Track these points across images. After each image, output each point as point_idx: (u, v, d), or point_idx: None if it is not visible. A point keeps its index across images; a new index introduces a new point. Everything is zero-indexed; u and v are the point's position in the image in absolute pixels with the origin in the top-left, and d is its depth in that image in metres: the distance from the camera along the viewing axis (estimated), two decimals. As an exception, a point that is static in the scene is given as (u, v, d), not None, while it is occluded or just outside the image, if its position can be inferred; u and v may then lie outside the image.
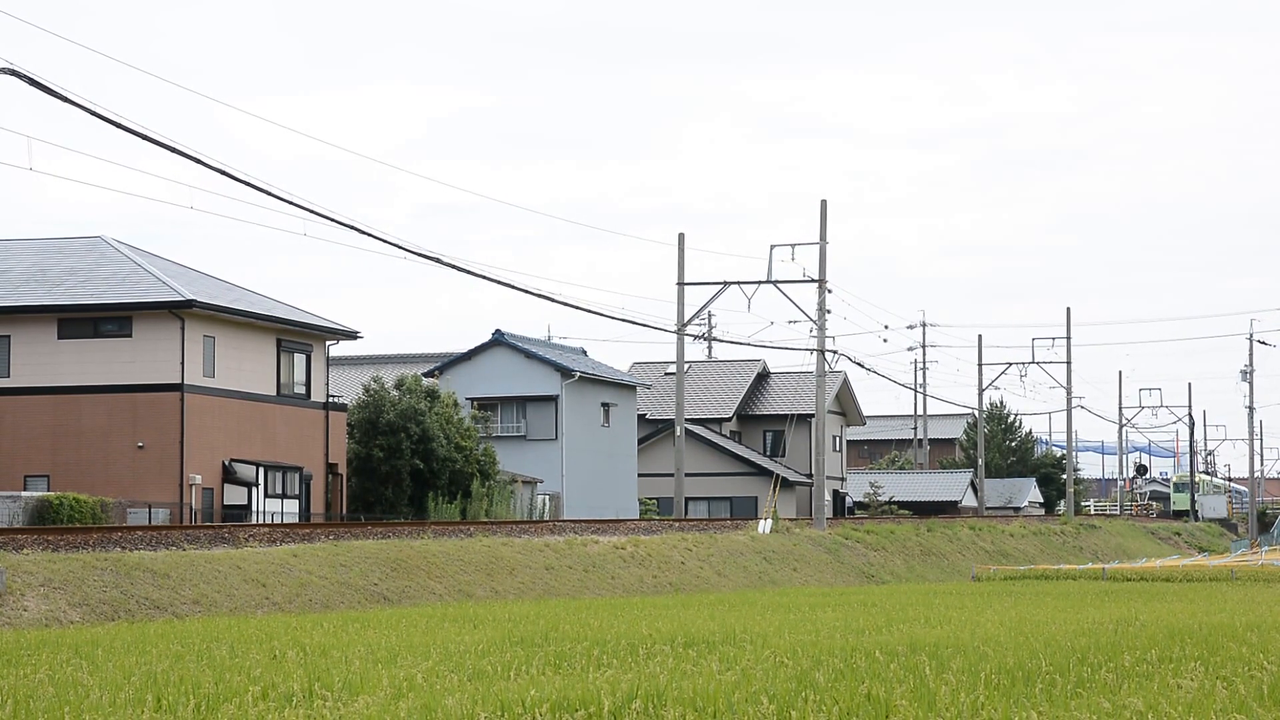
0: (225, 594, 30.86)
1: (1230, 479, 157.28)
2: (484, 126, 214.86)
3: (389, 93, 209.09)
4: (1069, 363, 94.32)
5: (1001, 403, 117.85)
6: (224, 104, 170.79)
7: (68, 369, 48.27)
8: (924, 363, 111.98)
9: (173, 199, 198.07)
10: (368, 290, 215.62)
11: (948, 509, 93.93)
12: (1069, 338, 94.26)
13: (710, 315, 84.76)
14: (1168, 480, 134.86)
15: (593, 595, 38.95)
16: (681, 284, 63.42)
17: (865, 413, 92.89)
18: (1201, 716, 12.73)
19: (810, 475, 73.80)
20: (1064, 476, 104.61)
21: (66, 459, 47.73)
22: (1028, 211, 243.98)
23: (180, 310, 47.47)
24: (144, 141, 30.26)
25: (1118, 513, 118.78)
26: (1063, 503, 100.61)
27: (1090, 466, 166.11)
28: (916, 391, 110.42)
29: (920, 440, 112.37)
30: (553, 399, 65.43)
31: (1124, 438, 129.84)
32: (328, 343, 53.96)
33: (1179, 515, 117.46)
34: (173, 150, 30.68)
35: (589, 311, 48.64)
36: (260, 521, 46.25)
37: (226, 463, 48.74)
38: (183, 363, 47.53)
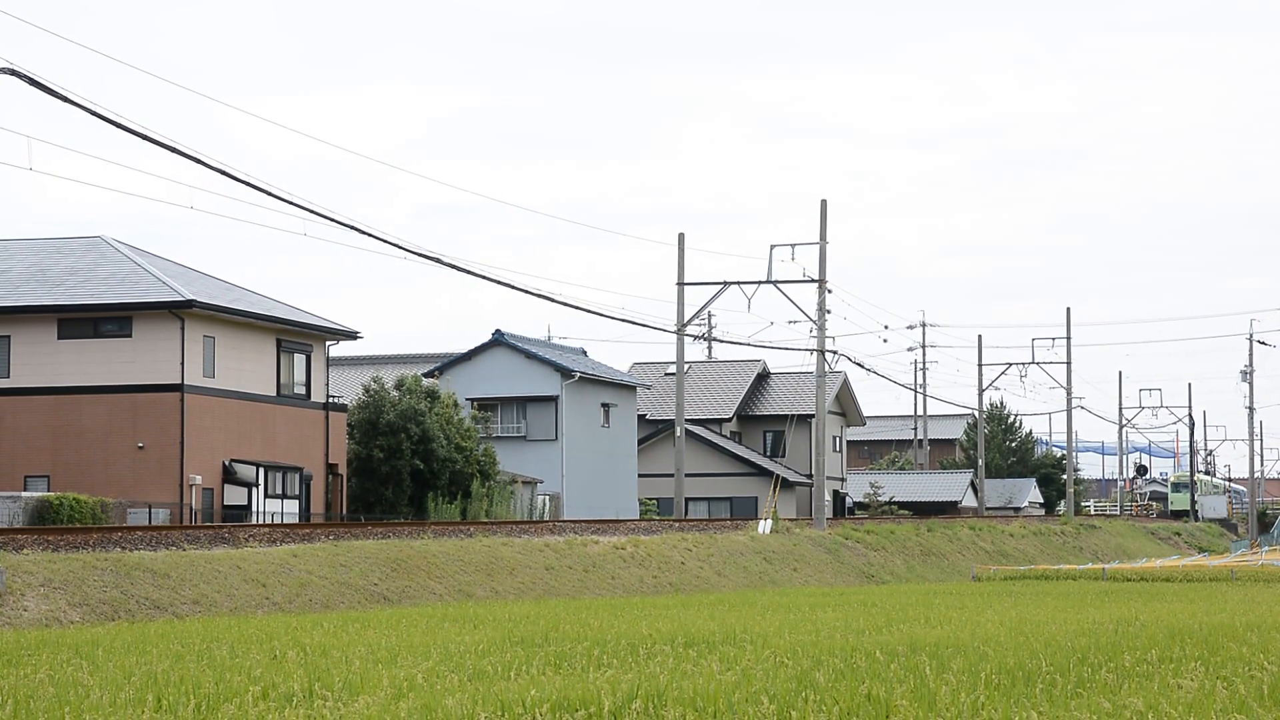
0: (225, 594, 30.87)
1: (1230, 479, 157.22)
2: (484, 126, 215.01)
3: (389, 93, 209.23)
4: (1069, 363, 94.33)
5: (1001, 403, 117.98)
6: (224, 104, 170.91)
7: (68, 369, 48.26)
8: (924, 363, 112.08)
9: (173, 199, 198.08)
10: (368, 290, 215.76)
11: (948, 509, 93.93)
12: (1069, 338, 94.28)
13: (710, 315, 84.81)
14: (1167, 480, 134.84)
15: (593, 595, 38.95)
16: (681, 284, 63.41)
17: (865, 413, 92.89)
18: (1202, 716, 12.73)
19: (810, 475, 73.79)
20: (1064, 477, 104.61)
21: (66, 459, 47.73)
22: (1028, 211, 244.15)
23: (180, 310, 47.47)
24: (144, 141, 30.29)
25: (1118, 513, 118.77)
26: (1063, 503, 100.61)
27: (1090, 467, 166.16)
28: (916, 392, 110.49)
29: (920, 440, 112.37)
30: (553, 399, 65.43)
31: (1124, 438, 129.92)
32: (328, 343, 53.96)
33: (1177, 515, 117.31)
34: (173, 150, 30.69)
35: (589, 311, 48.70)
36: (260, 522, 46.25)
37: (226, 463, 48.73)
38: (183, 363, 47.52)
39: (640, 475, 72.39)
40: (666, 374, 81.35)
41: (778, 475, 72.45)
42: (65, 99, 28.49)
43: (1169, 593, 38.44)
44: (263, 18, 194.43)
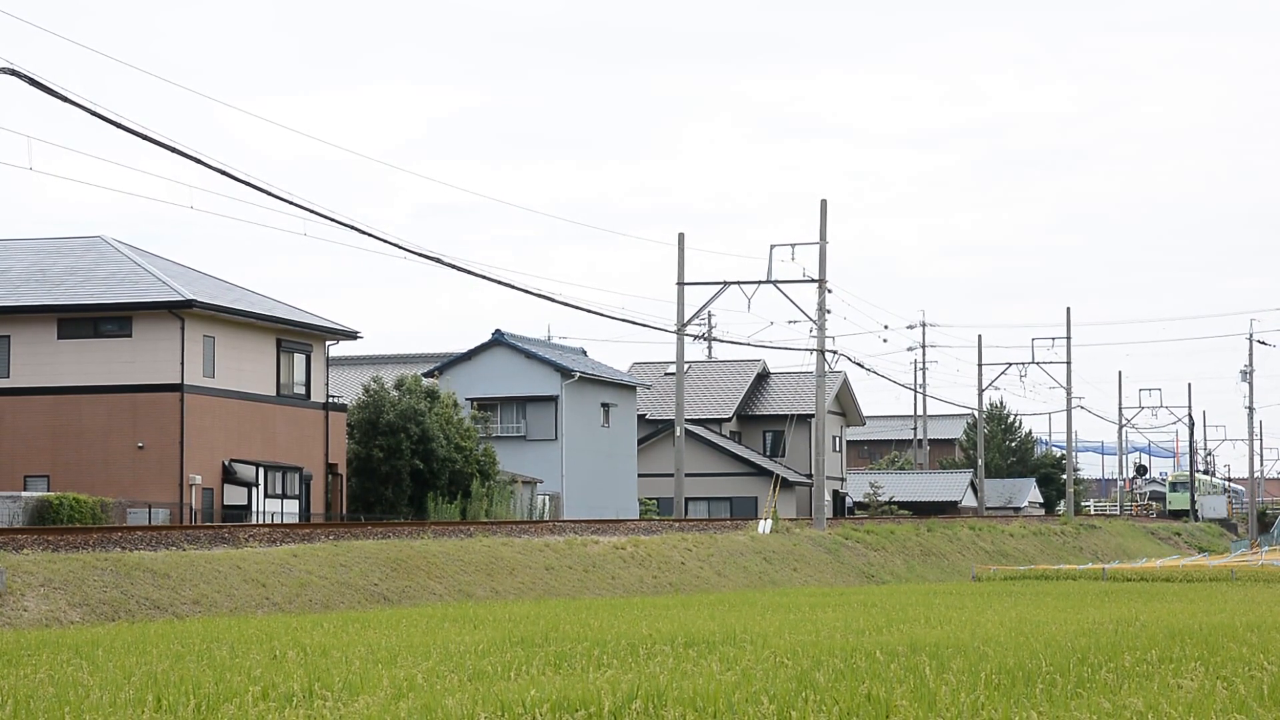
0: (225, 594, 30.86)
1: (1229, 479, 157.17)
2: (484, 126, 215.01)
3: (389, 93, 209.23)
4: (1069, 363, 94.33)
5: (1001, 403, 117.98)
6: (224, 104, 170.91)
7: (68, 369, 48.26)
8: (924, 363, 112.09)
9: (173, 199, 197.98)
10: (368, 290, 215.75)
11: (948, 509, 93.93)
12: (1069, 338, 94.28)
13: (710, 315, 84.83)
14: (1166, 480, 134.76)
15: (593, 595, 38.95)
16: (681, 284, 63.41)
17: (865, 413, 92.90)
18: (1202, 717, 12.73)
19: (810, 475, 73.80)
20: (1064, 477, 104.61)
21: (66, 459, 47.73)
22: (1028, 211, 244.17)
23: (180, 310, 47.47)
24: (144, 141, 30.29)
25: (1117, 513, 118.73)
26: (1063, 503, 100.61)
27: (1090, 467, 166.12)
28: (916, 391, 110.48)
29: (920, 440, 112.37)
30: (553, 399, 65.43)
31: (1124, 438, 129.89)
32: (328, 343, 53.96)
33: (1176, 515, 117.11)
34: (173, 150, 30.69)
35: (589, 311, 48.69)
36: (260, 521, 46.25)
37: (226, 463, 48.74)
38: (183, 363, 47.52)
39: (640, 475, 72.39)
40: (666, 374, 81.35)
41: (777, 475, 72.45)
42: (65, 99, 28.50)
43: (1169, 593, 38.43)
44: (262, 18, 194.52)
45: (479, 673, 16.23)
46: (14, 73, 27.82)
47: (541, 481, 63.30)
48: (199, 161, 31.25)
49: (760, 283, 60.86)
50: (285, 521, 47.08)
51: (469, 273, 41.53)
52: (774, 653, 17.88)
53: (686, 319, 63.06)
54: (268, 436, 50.57)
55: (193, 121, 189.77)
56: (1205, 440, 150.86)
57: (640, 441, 73.80)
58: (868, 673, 15.39)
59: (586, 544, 44.15)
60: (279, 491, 50.01)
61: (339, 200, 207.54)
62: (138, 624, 26.43)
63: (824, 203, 61.67)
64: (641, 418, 75.90)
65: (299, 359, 52.37)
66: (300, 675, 15.85)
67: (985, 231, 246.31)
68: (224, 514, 47.95)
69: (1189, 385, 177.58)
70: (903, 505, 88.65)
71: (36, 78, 28.17)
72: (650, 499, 73.65)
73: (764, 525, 56.05)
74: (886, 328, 77.26)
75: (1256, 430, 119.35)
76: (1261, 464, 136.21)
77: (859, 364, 69.04)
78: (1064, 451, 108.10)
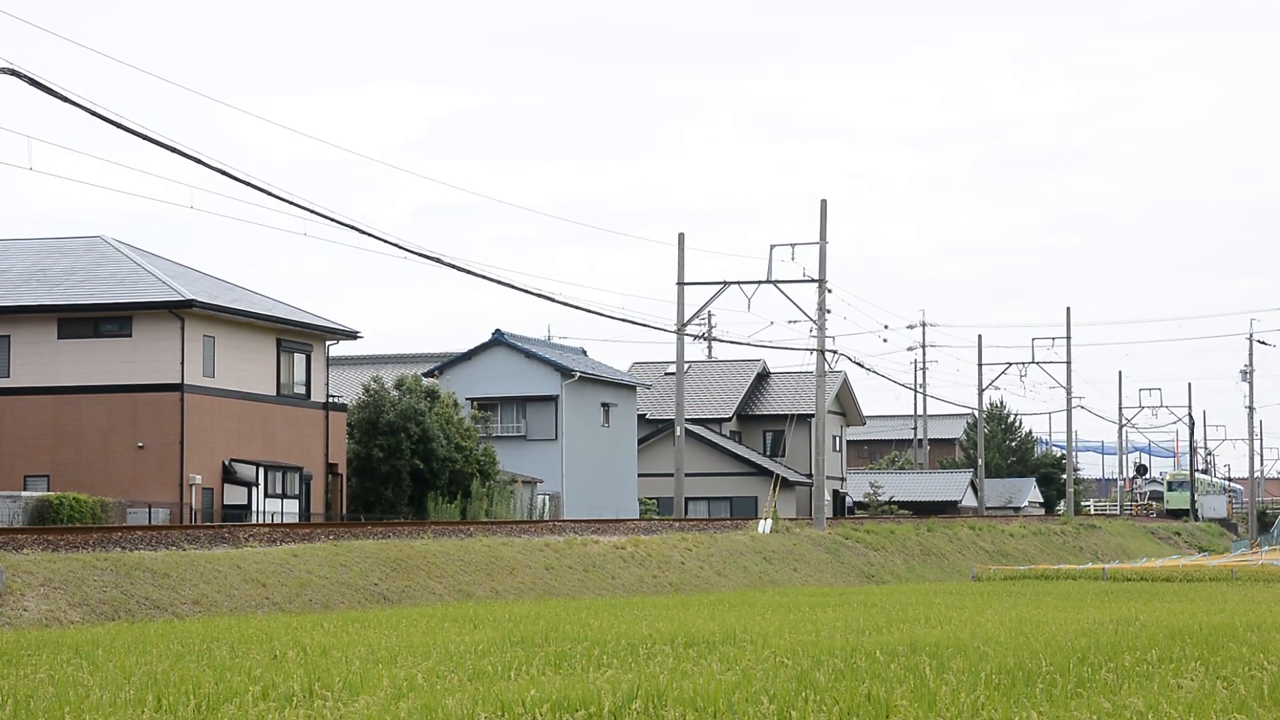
0: (225, 594, 30.86)
1: (1230, 479, 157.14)
2: (484, 126, 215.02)
3: (389, 93, 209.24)
4: (1069, 363, 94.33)
5: (1001, 403, 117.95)
6: (224, 104, 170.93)
7: (68, 369, 48.26)
8: (924, 363, 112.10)
9: (173, 199, 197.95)
10: (368, 290, 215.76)
11: (948, 509, 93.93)
12: (1069, 338, 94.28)
13: (710, 315, 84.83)
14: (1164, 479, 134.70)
15: (593, 595, 38.95)
16: (681, 284, 63.41)
17: (865, 413, 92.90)
18: (1202, 716, 12.73)
19: (810, 475, 73.79)
20: (1064, 476, 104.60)
21: (66, 459, 47.73)
22: (1028, 211, 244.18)
23: (180, 310, 47.47)
24: (144, 141, 30.29)
25: (1118, 513, 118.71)
26: (1063, 503, 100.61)
27: (1090, 466, 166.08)
28: (916, 391, 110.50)
29: (920, 440, 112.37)
30: (553, 399, 65.43)
31: (1124, 438, 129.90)
32: (328, 343, 53.97)
33: (1174, 515, 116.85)
34: (173, 150, 30.69)
35: (589, 311, 48.68)
36: (260, 521, 46.24)
37: (226, 463, 48.74)
38: (183, 363, 47.52)
39: (640, 475, 72.39)
40: (666, 374, 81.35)
41: (778, 475, 72.45)
42: (65, 99, 28.50)
43: (1169, 593, 38.43)
44: (262, 18, 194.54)
45: (479, 673, 16.23)
46: (14, 73, 27.83)
47: (541, 481, 63.31)
48: (199, 161, 31.27)
49: (760, 283, 60.86)
50: (285, 521, 47.08)
51: (469, 273, 41.55)
52: (774, 652, 17.88)
53: (686, 319, 63.06)
54: (268, 436, 50.58)
55: (193, 121, 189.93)
56: (1205, 440, 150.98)
57: (640, 441, 73.80)
58: (868, 673, 15.40)
59: (586, 544, 44.15)
60: (279, 491, 50.01)
61: (339, 200, 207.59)
62: (138, 624, 26.44)
63: (824, 203, 61.70)
64: (641, 418, 75.90)
65: (299, 359, 52.38)
66: (300, 675, 15.85)
67: (985, 231, 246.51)
68: (224, 514, 47.95)
69: (1189, 385, 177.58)
70: (903, 505, 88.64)
71: (36, 78, 28.18)
72: (650, 499, 73.65)
73: (764, 525, 56.04)
74: (886, 327, 77.35)
75: (1256, 430, 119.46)
76: (1261, 464, 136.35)
77: (859, 364, 69.11)
78: (1064, 451, 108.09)
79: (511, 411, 66.01)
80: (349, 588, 33.74)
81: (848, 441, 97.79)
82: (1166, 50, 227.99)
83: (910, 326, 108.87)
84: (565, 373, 65.49)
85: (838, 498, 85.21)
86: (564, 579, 40.40)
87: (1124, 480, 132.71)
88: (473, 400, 64.78)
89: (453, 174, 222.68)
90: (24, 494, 42.64)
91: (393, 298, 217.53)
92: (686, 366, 69.61)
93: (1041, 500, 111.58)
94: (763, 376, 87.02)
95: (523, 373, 65.88)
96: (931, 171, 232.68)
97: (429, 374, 64.79)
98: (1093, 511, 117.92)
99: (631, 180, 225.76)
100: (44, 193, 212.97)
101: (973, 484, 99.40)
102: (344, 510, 53.62)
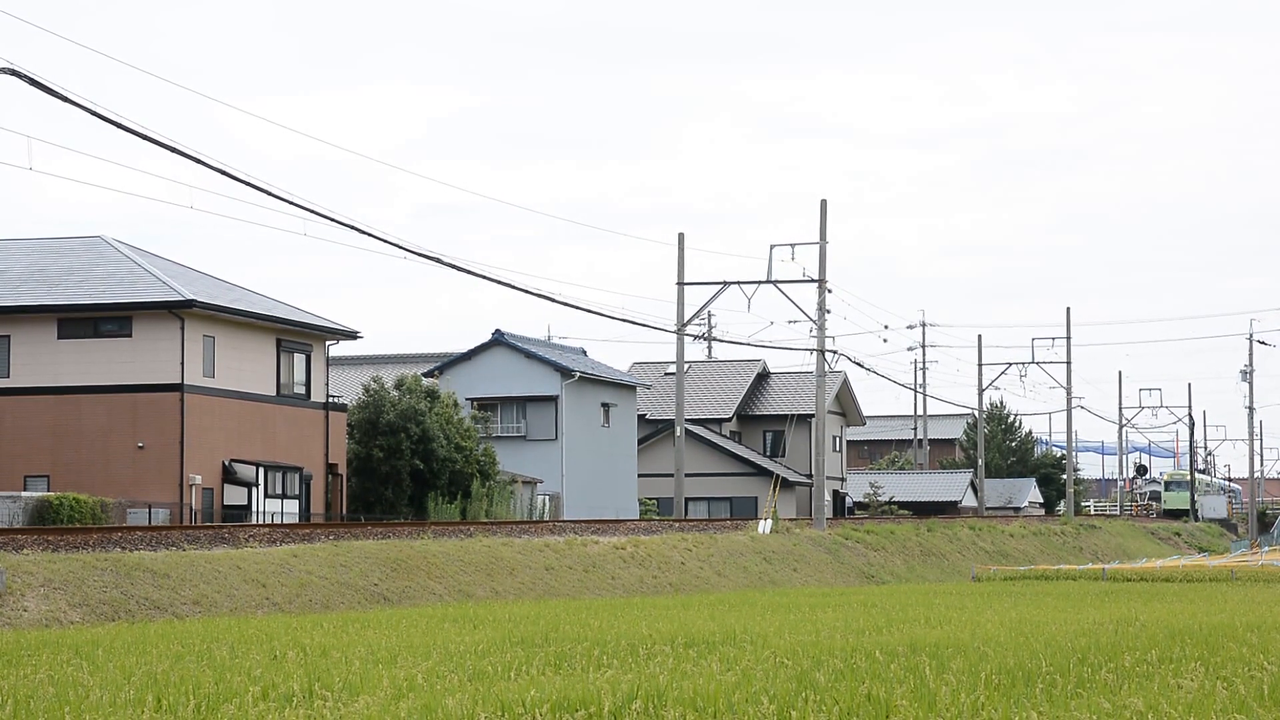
0: (225, 594, 30.87)
1: (1230, 479, 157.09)
2: (484, 126, 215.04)
3: (389, 93, 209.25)
4: (1069, 363, 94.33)
5: (1001, 403, 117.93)
6: (224, 104, 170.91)
7: (68, 369, 48.26)
8: (924, 363, 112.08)
9: (173, 199, 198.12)
10: (368, 290, 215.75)
11: (948, 509, 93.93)
12: (1069, 338, 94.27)
13: (710, 315, 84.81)
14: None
15: (593, 595, 38.95)
16: (681, 284, 63.42)
17: (865, 413, 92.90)
18: (1202, 717, 12.73)
19: (810, 475, 73.79)
20: (1064, 477, 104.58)
21: (66, 459, 47.73)
22: (1028, 211, 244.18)
23: (180, 310, 47.47)
24: (144, 141, 30.29)
25: (1118, 513, 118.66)
26: (1063, 503, 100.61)
27: (1090, 466, 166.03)
28: (916, 391, 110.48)
29: (920, 440, 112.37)
30: (553, 399, 65.43)
31: (1124, 438, 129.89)
32: (328, 343, 53.96)
33: (1172, 515, 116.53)
34: (173, 150, 30.69)
35: (589, 311, 48.69)
36: (260, 521, 46.25)
37: (226, 463, 48.74)
38: (183, 363, 47.52)
39: (640, 475, 72.39)
40: (666, 374, 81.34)
41: (777, 475, 72.45)
42: (65, 99, 28.50)
43: (1169, 593, 38.44)
44: (262, 18, 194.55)
45: (479, 673, 16.23)
46: (14, 73, 27.83)
47: (541, 481, 63.30)
48: (199, 161, 31.27)
49: (760, 283, 60.87)
50: (285, 521, 47.08)
51: (469, 273, 41.55)
52: (774, 653, 17.88)
53: (686, 319, 63.07)
54: (268, 436, 50.58)
55: (193, 121, 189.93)
56: (1205, 440, 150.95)
57: (640, 441, 73.80)
58: (868, 673, 15.40)
59: (586, 544, 44.15)
60: (279, 491, 50.01)
61: (339, 200, 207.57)
62: (138, 624, 26.44)
63: (824, 203, 61.70)
64: (641, 418, 75.90)
65: (299, 359, 52.38)
66: (300, 675, 15.85)
67: (985, 231, 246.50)
68: (224, 514, 47.95)
69: (1189, 385, 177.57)
70: (903, 505, 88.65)
71: (36, 78, 28.18)
72: (650, 499, 73.65)
73: (764, 525, 56.04)
74: (886, 327, 77.33)
75: (1256, 430, 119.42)
76: (1261, 464, 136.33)
77: (859, 364, 69.11)
78: (1064, 451, 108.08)
79: (511, 411, 66.01)
80: (349, 588, 33.74)
81: (848, 441, 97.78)
82: (1166, 50, 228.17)
83: (910, 326, 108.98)
84: (565, 373, 65.49)
85: (838, 498, 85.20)
86: (564, 579, 40.40)
87: (1124, 480, 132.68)
88: (473, 400, 64.78)
89: (453, 174, 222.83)
90: (24, 494, 42.65)
91: (393, 298, 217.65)
92: (686, 366, 69.61)
93: (1041, 500, 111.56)
94: (763, 376, 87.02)
95: (523, 373, 65.88)
96: (931, 171, 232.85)
97: (429, 374, 64.79)
98: (1093, 512, 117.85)
99: (631, 180, 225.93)
100: (44, 193, 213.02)
101: (973, 484, 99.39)
102: (344, 510, 53.62)
